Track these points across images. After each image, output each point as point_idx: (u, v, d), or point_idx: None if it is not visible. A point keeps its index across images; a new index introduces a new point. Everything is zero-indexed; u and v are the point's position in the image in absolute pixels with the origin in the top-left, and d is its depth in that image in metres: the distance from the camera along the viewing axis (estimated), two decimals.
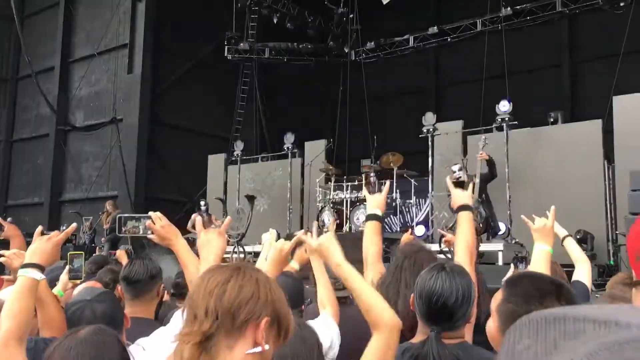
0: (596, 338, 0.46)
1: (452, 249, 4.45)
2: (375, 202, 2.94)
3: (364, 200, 9.48)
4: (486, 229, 9.15)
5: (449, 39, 16.54)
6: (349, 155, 15.99)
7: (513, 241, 9.41)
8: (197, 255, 2.08)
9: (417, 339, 2.06)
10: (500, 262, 8.60)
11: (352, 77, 17.03)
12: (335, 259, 2.06)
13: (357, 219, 11.13)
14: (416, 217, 12.29)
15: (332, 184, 12.03)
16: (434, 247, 7.57)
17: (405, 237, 4.54)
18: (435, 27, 16.62)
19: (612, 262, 9.13)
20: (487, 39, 14.58)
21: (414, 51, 17.50)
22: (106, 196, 16.08)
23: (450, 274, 2.00)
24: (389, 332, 1.84)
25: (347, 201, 11.55)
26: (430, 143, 11.71)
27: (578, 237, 8.86)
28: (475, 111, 12.54)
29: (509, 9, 14.84)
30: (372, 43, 17.79)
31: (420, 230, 11.40)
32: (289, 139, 13.58)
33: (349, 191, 11.65)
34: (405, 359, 1.98)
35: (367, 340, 1.86)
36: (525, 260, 3.87)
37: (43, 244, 2.23)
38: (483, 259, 8.33)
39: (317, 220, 11.62)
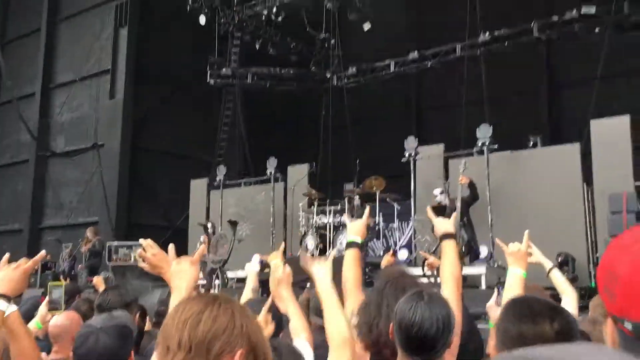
0: None
1: (434, 272, 4.46)
2: (355, 229, 2.88)
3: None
4: (468, 252, 9.17)
5: (429, 64, 16.76)
6: (332, 180, 16.02)
7: (495, 264, 9.44)
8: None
9: None
10: (483, 286, 8.60)
11: (334, 101, 17.14)
12: (323, 284, 2.22)
13: (341, 243, 11.10)
14: (399, 240, 12.30)
15: (315, 208, 12.01)
16: (417, 270, 7.56)
17: (387, 259, 4.54)
18: (416, 52, 16.84)
19: (593, 285, 9.19)
20: (466, 63, 14.81)
21: (395, 76, 17.67)
22: (87, 222, 15.90)
23: (429, 304, 1.97)
24: (342, 347, 1.95)
25: (330, 225, 11.53)
26: (412, 167, 11.78)
27: (559, 259, 8.93)
28: (456, 135, 12.67)
29: (487, 34, 15.09)
30: (354, 68, 17.95)
31: (403, 254, 11.40)
32: (272, 163, 13.58)
33: (332, 215, 11.63)
34: None
35: None
36: None
37: (10, 273, 2.13)
38: (466, 283, 8.34)
39: (300, 244, 11.58)
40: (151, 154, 16.98)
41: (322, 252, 11.29)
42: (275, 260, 2.76)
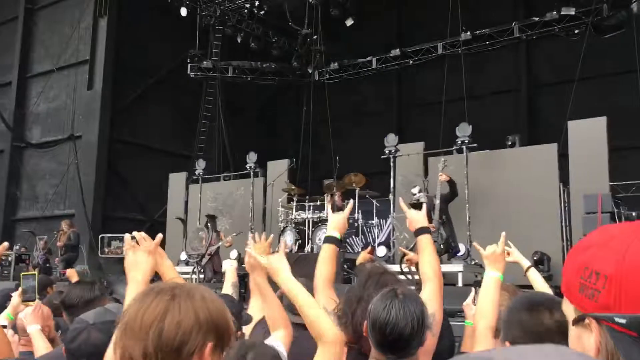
0: None
1: (413, 268, 4.46)
2: (334, 223, 2.78)
3: (327, 220, 9.46)
4: (447, 250, 9.23)
5: (410, 62, 16.83)
6: (312, 176, 16.01)
7: (473, 262, 9.52)
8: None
9: None
10: (460, 284, 8.67)
11: (315, 97, 17.12)
12: (283, 274, 2.16)
13: (319, 239, 11.10)
14: (378, 237, 12.34)
15: (295, 204, 12.00)
16: (395, 267, 7.58)
17: (363, 256, 4.50)
18: (398, 50, 16.90)
19: None
20: (447, 62, 14.89)
21: (377, 73, 17.73)
22: (62, 215, 15.70)
23: (403, 302, 1.94)
24: (333, 345, 1.93)
25: (309, 221, 11.53)
26: (392, 164, 11.82)
27: (535, 258, 9.03)
28: (436, 133, 12.73)
29: (468, 33, 15.19)
30: (336, 64, 17.97)
31: (381, 251, 11.43)
32: (252, 158, 13.53)
33: (311, 211, 11.63)
34: None
35: None
36: None
37: None
38: (443, 280, 8.37)
39: (279, 240, 11.54)
40: (129, 146, 16.80)
41: (301, 247, 11.29)
42: (259, 249, 2.70)
